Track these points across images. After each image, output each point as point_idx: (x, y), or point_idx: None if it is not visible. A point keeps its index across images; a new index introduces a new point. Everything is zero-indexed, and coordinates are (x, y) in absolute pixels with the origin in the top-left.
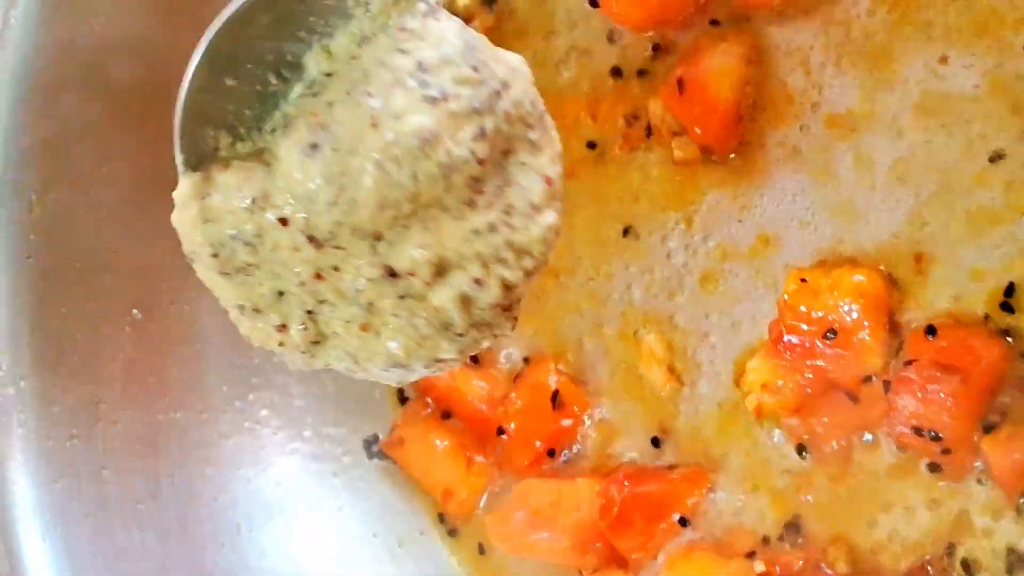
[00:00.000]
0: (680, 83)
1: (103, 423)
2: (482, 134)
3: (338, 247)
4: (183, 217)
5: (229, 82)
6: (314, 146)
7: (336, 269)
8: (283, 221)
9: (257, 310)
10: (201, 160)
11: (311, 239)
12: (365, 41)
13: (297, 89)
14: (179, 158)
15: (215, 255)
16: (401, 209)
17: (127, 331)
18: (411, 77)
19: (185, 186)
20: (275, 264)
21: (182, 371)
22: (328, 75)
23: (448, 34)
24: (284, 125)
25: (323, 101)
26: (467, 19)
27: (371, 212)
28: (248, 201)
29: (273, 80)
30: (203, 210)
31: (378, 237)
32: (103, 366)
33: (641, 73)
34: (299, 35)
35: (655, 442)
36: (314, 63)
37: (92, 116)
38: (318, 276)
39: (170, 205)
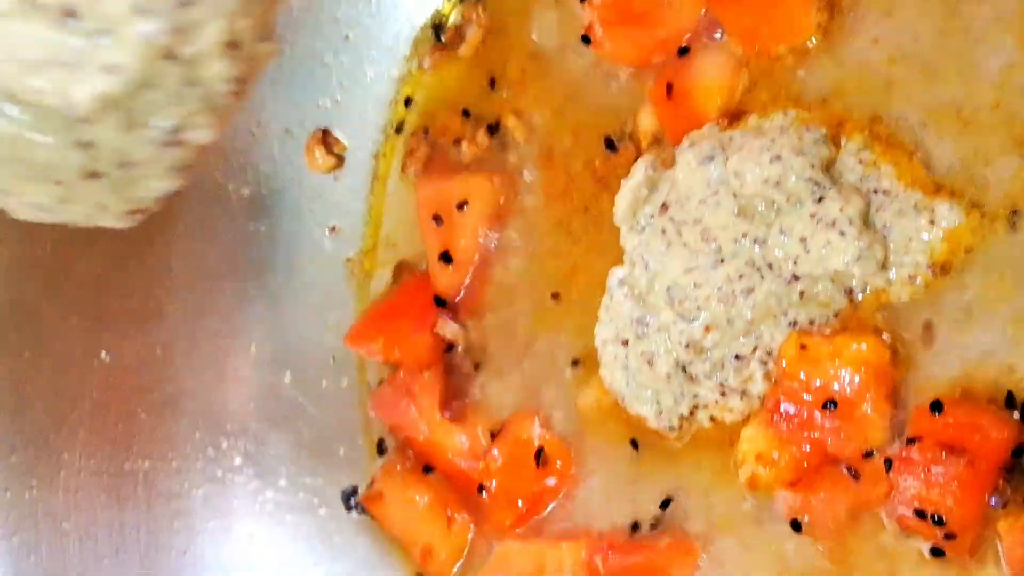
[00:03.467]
0: (669, 87)
1: (65, 473)
2: None
3: None
4: None
5: None
6: None
7: None
8: None
9: None
10: None
11: None
12: None
13: None
14: None
15: None
16: None
17: (94, 376)
18: None
19: None
20: None
21: (152, 418)
22: None
23: None
24: None
25: None
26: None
27: None
28: None
29: None
30: None
31: None
32: (67, 413)
33: None
34: None
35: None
36: None
37: None
38: None
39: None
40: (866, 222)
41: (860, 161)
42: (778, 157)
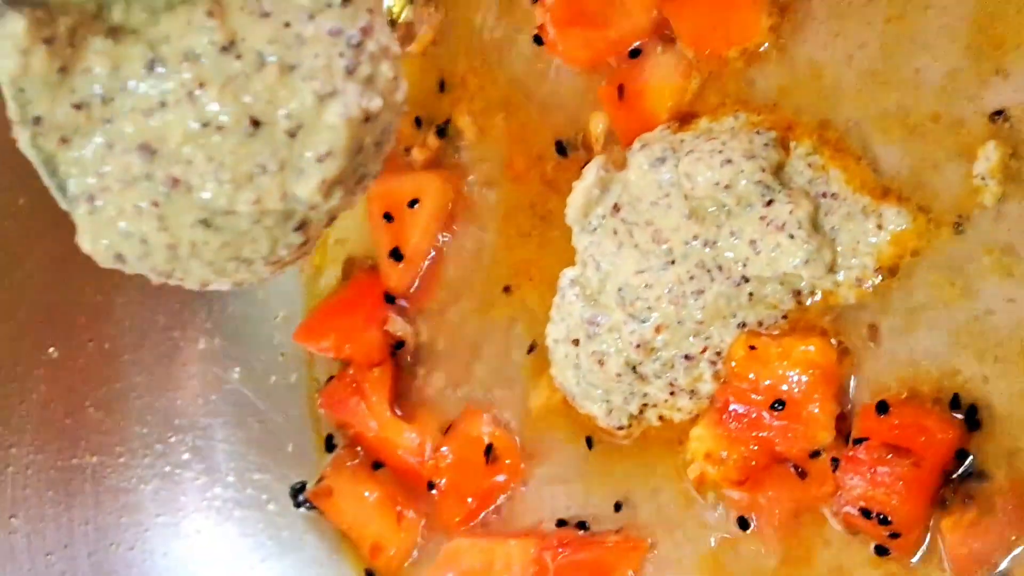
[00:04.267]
0: (620, 89)
1: (13, 468)
2: None
3: None
4: None
5: None
6: None
7: None
8: None
9: None
10: None
11: None
12: None
13: None
14: None
15: None
16: None
17: (42, 370)
18: None
19: None
20: None
21: (100, 413)
22: None
23: None
24: None
25: None
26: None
27: None
28: None
29: None
30: None
31: None
32: (15, 408)
33: None
34: None
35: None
36: None
37: None
38: None
39: None
40: (815, 225)
41: (809, 165)
42: (729, 160)
